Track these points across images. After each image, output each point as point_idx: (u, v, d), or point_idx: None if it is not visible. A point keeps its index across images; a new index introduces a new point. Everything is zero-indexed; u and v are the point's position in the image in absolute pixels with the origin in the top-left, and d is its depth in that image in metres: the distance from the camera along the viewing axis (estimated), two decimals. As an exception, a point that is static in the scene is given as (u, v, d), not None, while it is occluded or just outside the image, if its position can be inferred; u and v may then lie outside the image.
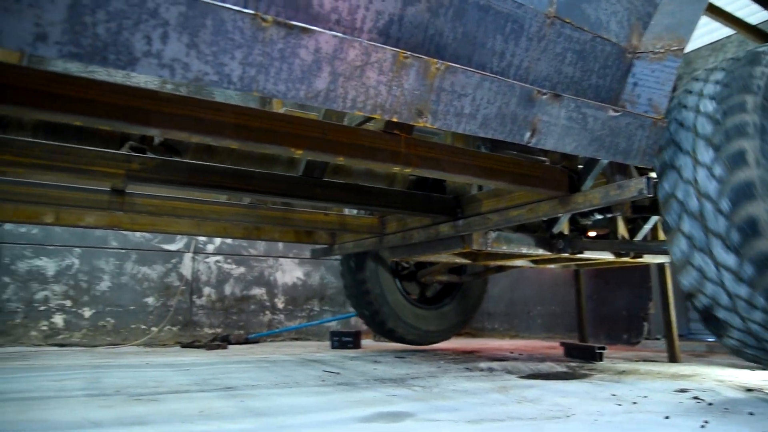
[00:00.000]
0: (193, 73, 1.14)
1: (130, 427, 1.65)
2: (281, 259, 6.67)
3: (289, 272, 6.72)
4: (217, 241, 6.23)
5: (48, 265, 5.44)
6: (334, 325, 6.66)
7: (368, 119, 2.36)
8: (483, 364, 3.46)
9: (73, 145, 1.86)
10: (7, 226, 5.12)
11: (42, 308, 5.37)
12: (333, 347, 5.22)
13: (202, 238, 6.15)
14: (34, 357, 3.99)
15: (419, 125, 1.44)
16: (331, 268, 6.92)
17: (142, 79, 2.28)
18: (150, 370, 3.13)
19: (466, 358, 4.05)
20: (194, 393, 2.29)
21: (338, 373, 3.05)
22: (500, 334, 7.07)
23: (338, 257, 4.61)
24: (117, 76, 2.25)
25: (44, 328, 5.36)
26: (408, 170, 1.74)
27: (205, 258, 6.19)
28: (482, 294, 5.36)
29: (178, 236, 6.01)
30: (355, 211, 3.49)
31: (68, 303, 5.47)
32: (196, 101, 1.39)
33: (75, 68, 2.11)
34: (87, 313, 5.53)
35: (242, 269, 6.39)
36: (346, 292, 4.61)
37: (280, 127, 1.49)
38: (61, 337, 5.41)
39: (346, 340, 5.27)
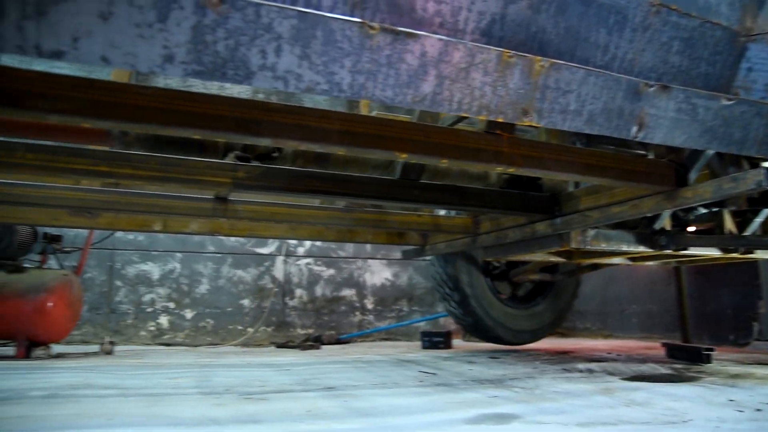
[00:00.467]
0: (306, 84, 1.18)
1: (246, 425, 1.72)
2: (370, 261, 6.75)
3: (378, 273, 6.79)
4: (308, 244, 6.39)
5: (153, 270, 5.76)
6: (423, 326, 6.67)
7: (460, 119, 2.35)
8: (581, 365, 3.37)
9: (185, 157, 1.97)
10: (118, 234, 5.46)
11: (149, 310, 5.69)
12: (424, 347, 5.24)
13: (292, 242, 6.33)
14: (145, 355, 4.23)
15: (524, 125, 1.43)
16: (419, 269, 6.94)
17: (235, 90, 2.38)
18: (252, 370, 3.25)
19: (562, 358, 3.96)
20: (298, 393, 2.36)
21: (435, 374, 3.06)
22: (592, 333, 6.86)
23: (427, 258, 4.62)
24: (212, 89, 2.36)
25: (152, 328, 5.68)
26: (511, 170, 1.73)
27: (296, 261, 6.36)
28: (575, 293, 5.22)
29: (270, 240, 6.21)
30: (443, 212, 3.49)
31: (172, 305, 5.77)
32: (304, 110, 1.44)
33: (174, 83, 2.23)
34: (189, 314, 5.81)
35: (332, 271, 6.53)
36: (437, 293, 4.61)
37: (385, 131, 1.52)
38: (166, 336, 5.72)
39: (437, 341, 5.27)
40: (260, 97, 2.41)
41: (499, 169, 1.74)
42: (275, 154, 2.34)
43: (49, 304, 3.75)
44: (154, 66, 1.09)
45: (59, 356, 3.99)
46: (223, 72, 1.12)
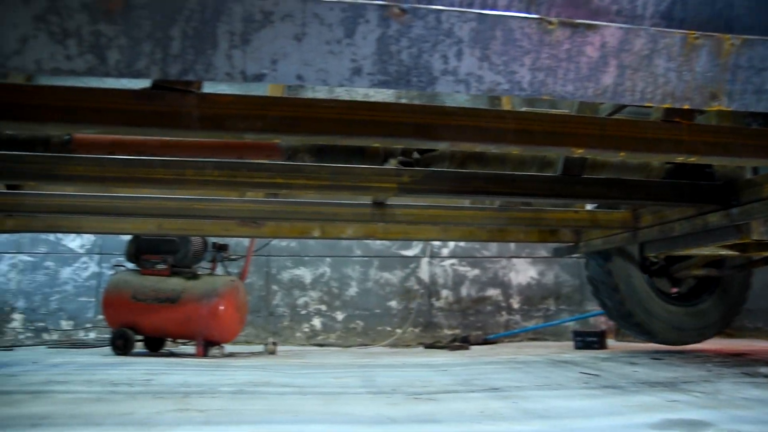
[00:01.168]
0: (487, 85, 1.19)
1: (423, 425, 1.76)
2: (514, 260, 6.63)
3: (523, 272, 6.65)
4: (451, 244, 6.41)
5: (305, 274, 6.06)
6: (572, 325, 6.43)
7: (619, 108, 2.24)
8: (764, 369, 3.09)
9: (352, 165, 2.06)
10: (273, 242, 5.80)
11: (303, 312, 5.99)
12: (577, 347, 5.05)
13: (436, 243, 6.37)
14: (304, 355, 4.46)
15: (712, 110, 1.33)
16: (566, 267, 6.71)
17: (361, 92, 2.44)
18: (411, 371, 3.31)
19: (737, 361, 3.64)
20: (464, 393, 2.37)
21: (598, 375, 2.94)
22: (764, 334, 6.24)
23: (576, 255, 4.45)
24: (339, 92, 2.44)
25: (306, 329, 5.98)
26: (692, 159, 1.62)
27: (440, 262, 6.40)
28: (746, 289, 4.78)
29: (414, 242, 6.29)
30: (590, 206, 3.34)
31: (324, 307, 6.03)
32: (479, 112, 1.45)
33: (320, 94, 2.34)
34: (339, 316, 6.04)
35: (476, 271, 6.48)
36: (591, 291, 4.43)
37: (559, 128, 1.49)
38: (320, 338, 5.98)
39: (590, 341, 5.06)
40: (403, 101, 2.45)
41: (680, 158, 1.64)
42: (432, 158, 2.37)
43: (221, 307, 4.07)
44: (343, 80, 1.15)
45: (231, 355, 4.31)
46: (408, 80, 1.16)
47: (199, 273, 4.34)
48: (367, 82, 1.15)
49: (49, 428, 1.59)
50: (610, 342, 5.57)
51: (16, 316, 5.62)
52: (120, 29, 1.08)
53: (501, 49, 1.18)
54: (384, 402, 2.12)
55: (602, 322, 6.16)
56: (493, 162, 2.36)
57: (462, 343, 5.64)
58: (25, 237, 5.64)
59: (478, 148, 1.51)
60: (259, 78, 1.12)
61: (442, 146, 1.45)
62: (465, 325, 6.36)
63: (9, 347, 5.04)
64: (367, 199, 2.74)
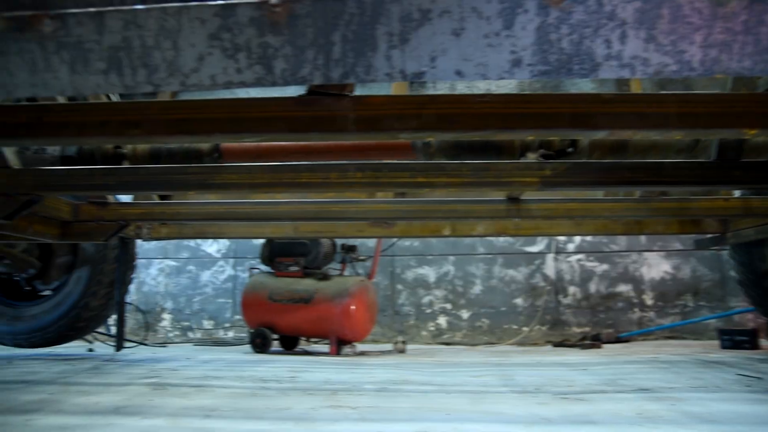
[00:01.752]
0: (653, 67, 1.12)
1: (580, 426, 1.69)
2: (645, 253, 6.28)
3: (656, 266, 6.28)
4: (577, 239, 6.18)
5: (429, 273, 6.08)
6: (714, 323, 5.99)
7: None
8: None
9: (494, 161, 2.03)
10: (396, 241, 5.87)
11: (428, 311, 6.01)
12: (723, 347, 4.69)
13: (561, 238, 6.17)
14: (433, 354, 4.47)
15: None
16: (703, 260, 6.25)
17: (482, 86, 2.38)
18: (548, 369, 3.22)
19: None
20: (613, 393, 2.27)
21: (760, 378, 2.70)
22: None
23: (719, 247, 4.12)
24: (460, 88, 2.40)
25: (432, 328, 5.99)
26: None
27: (566, 257, 6.19)
28: None
29: (539, 238, 6.13)
30: (737, 192, 3.07)
31: (448, 306, 6.02)
32: (637, 97, 1.38)
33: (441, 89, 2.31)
34: (465, 314, 6.00)
35: (605, 266, 6.21)
36: (741, 286, 4.09)
37: (728, 108, 1.38)
38: (445, 336, 5.98)
39: (739, 340, 4.68)
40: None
41: None
42: (570, 149, 2.28)
43: (353, 307, 4.17)
44: (503, 72, 1.13)
45: (362, 353, 4.41)
46: (569, 68, 1.12)
47: (330, 274, 4.47)
48: (527, 74, 1.12)
49: (218, 420, 1.70)
50: (763, 342, 5.14)
51: (166, 315, 6.08)
52: (285, 39, 1.12)
53: (668, 28, 1.10)
54: (532, 401, 2.07)
55: (750, 320, 5.69)
56: (633, 151, 2.24)
57: (593, 341, 5.43)
58: (170, 244, 6.09)
59: (638, 135, 1.43)
60: (418, 76, 1.13)
61: (600, 135, 1.39)
62: (594, 322, 6.10)
63: (162, 344, 5.47)
64: (501, 195, 2.70)
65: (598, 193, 2.96)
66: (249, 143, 2.16)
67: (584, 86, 2.50)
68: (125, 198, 3.03)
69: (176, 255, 6.17)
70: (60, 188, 2.07)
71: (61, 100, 1.98)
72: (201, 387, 2.37)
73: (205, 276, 6.12)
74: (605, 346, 5.32)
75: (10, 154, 2.12)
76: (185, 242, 6.13)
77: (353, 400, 2.06)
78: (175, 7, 1.12)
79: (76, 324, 3.74)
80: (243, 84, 1.15)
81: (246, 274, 6.01)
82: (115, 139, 1.41)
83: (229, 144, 2.19)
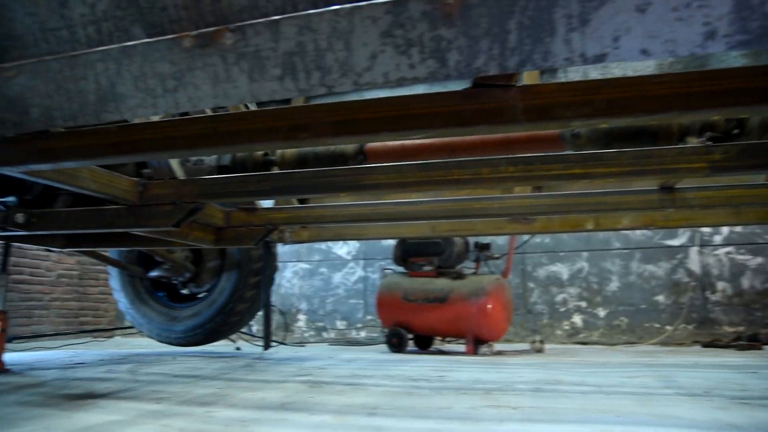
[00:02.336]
0: None
1: (776, 432, 1.54)
2: (808, 245, 5.69)
3: (821, 259, 5.67)
4: (725, 230, 5.71)
5: (562, 270, 5.87)
6: None
7: None
8: None
9: (655, 147, 1.90)
10: (524, 238, 5.72)
11: (562, 309, 5.80)
12: None
13: (706, 230, 5.73)
14: (573, 354, 4.30)
15: None
16: None
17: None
18: (710, 371, 2.99)
19: None
20: (800, 398, 2.05)
21: None
22: None
23: None
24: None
25: (566, 327, 5.78)
26: None
27: (713, 250, 5.74)
28: None
29: (680, 231, 5.74)
30: None
31: (584, 304, 5.78)
32: None
33: (574, 74, 2.18)
34: (601, 313, 5.73)
35: (759, 259, 5.68)
36: None
37: None
38: (581, 335, 5.74)
39: None
40: (665, 70, 2.20)
41: None
42: (736, 131, 2.10)
43: (489, 305, 4.10)
44: (694, 47, 1.04)
45: (499, 353, 4.33)
46: (775, 36, 1.01)
47: (464, 273, 4.43)
48: (722, 46, 1.02)
49: (383, 418, 1.71)
50: None
51: (301, 316, 6.32)
52: (458, 30, 1.10)
53: None
54: (708, 405, 1.92)
55: None
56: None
57: (751, 341, 4.99)
58: (303, 247, 6.33)
59: None
60: (600, 58, 1.06)
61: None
62: (750, 321, 5.60)
63: (300, 344, 5.68)
64: (654, 185, 2.54)
65: (759, 178, 2.71)
66: (393, 143, 2.17)
67: (733, 62, 2.29)
68: (267, 203, 3.17)
69: (309, 258, 6.39)
70: (220, 195, 2.20)
71: (208, 111, 2.09)
72: (354, 385, 2.41)
73: (337, 278, 6.29)
74: (766, 347, 4.89)
75: (175, 166, 2.28)
76: (317, 245, 6.34)
77: (511, 400, 2.01)
78: (347, 8, 1.14)
79: (225, 324, 3.97)
80: (416, 80, 1.15)
81: (376, 275, 6.12)
82: (283, 144, 1.46)
83: (373, 145, 2.21)
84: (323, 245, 6.32)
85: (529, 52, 1.08)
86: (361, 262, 6.22)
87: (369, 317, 6.09)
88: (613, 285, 5.77)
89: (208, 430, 1.51)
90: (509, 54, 1.09)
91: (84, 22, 1.34)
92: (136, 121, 1.69)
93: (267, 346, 3.57)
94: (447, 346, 4.99)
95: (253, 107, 2.17)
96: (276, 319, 6.16)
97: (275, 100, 1.28)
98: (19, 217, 2.39)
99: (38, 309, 5.85)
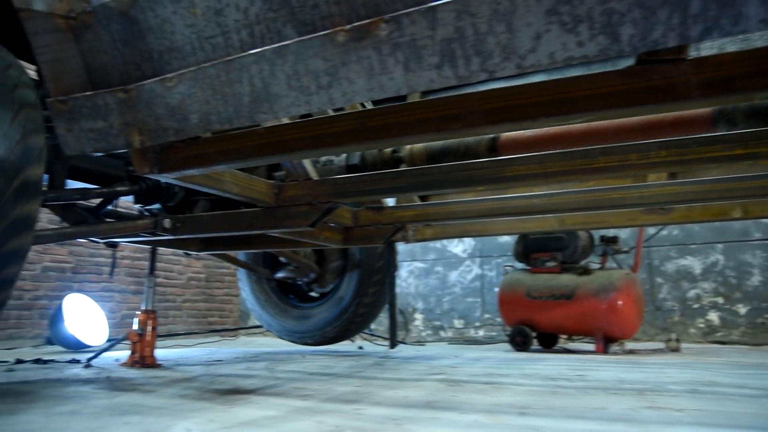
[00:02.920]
0: None
1: None
2: None
3: None
4: None
5: (693, 264, 5.49)
6: None
7: None
8: None
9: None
10: (650, 230, 5.39)
11: (695, 306, 5.43)
12: None
13: None
14: (715, 353, 4.00)
15: None
16: None
17: None
18: None
19: None
20: None
21: None
22: None
23: None
24: None
25: (701, 325, 5.40)
26: None
27: None
28: None
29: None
30: None
31: (720, 300, 5.37)
32: None
33: None
34: (742, 309, 5.30)
35: None
36: None
37: None
38: (719, 334, 5.34)
39: None
40: None
41: None
42: None
43: (620, 302, 3.90)
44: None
45: (631, 352, 4.10)
46: None
47: (591, 268, 4.24)
48: None
49: (537, 418, 1.64)
50: None
51: (417, 315, 6.32)
52: (633, 2, 1.02)
53: None
54: None
55: None
56: None
57: None
58: (417, 246, 6.33)
59: None
60: (803, 19, 0.95)
61: None
62: None
63: (419, 342, 5.69)
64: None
65: None
66: (527, 133, 2.09)
67: None
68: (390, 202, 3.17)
69: (424, 257, 6.38)
70: (355, 194, 2.21)
71: (330, 111, 2.10)
72: (493, 384, 2.35)
73: (453, 276, 6.23)
74: None
75: (309, 166, 2.32)
76: (431, 244, 6.32)
77: (670, 402, 1.87)
78: (509, -11, 1.09)
79: (350, 323, 4.03)
80: (584, 58, 1.08)
81: (493, 273, 6.01)
82: (435, 135, 1.43)
83: (507, 136, 2.14)
84: (438, 244, 6.29)
85: (716, 18, 0.98)
86: (477, 259, 6.13)
87: (487, 316, 5.98)
88: (755, 279, 5.32)
89: (362, 428, 1.51)
90: (692, 22, 1.00)
91: (238, 27, 1.38)
92: (284, 121, 1.73)
93: (393, 345, 3.58)
94: (572, 345, 4.81)
95: (368, 105, 2.17)
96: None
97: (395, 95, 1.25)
98: (167, 223, 2.53)
99: (172, 310, 6.23)
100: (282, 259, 4.09)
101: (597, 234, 4.50)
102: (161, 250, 6.21)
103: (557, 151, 1.97)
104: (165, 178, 1.85)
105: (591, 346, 4.21)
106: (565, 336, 4.60)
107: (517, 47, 1.10)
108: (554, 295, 4.17)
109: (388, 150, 2.51)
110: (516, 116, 1.31)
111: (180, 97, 1.44)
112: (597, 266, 4.36)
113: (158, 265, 6.17)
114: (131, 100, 1.52)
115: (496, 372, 2.80)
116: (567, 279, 4.18)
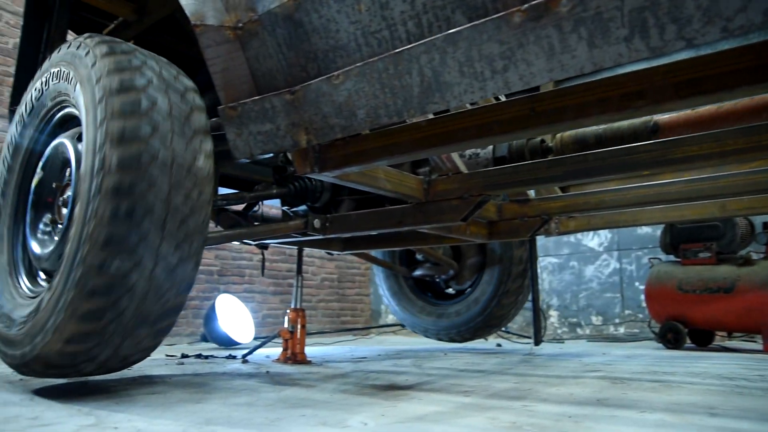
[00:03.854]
0: None
1: None
2: None
3: None
4: None
5: None
6: None
7: None
8: None
9: None
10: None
11: None
12: None
13: None
14: None
15: None
16: None
17: None
18: None
19: None
20: None
21: None
22: None
23: None
24: None
25: None
26: None
27: None
28: None
29: None
30: None
31: None
32: None
33: None
34: None
35: None
36: None
37: None
38: None
39: None
40: None
41: None
42: None
43: (792, 295, 3.54)
44: None
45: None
46: None
47: (753, 258, 3.88)
48: None
49: (730, 419, 1.50)
50: None
51: (552, 312, 6.12)
52: None
53: None
54: None
55: None
56: None
57: None
58: (550, 241, 6.12)
59: None
60: None
61: None
62: None
63: (558, 340, 5.50)
64: None
65: None
66: (689, 112, 1.93)
67: None
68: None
69: (557, 252, 6.17)
70: (509, 185, 2.15)
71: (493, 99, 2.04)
72: (661, 382, 2.20)
73: (589, 271, 5.97)
74: None
75: (458, 160, 2.29)
76: (565, 238, 6.09)
77: None
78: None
79: (490, 320, 3.96)
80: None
81: (632, 267, 5.69)
82: (612, 116, 1.35)
83: (666, 117, 2.00)
84: (572, 238, 6.05)
85: None
86: (615, 253, 5.82)
87: (627, 312, 5.67)
88: None
89: (540, 425, 1.45)
90: None
91: (404, 18, 1.37)
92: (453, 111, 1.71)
93: (537, 342, 3.47)
94: (729, 343, 4.43)
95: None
96: (526, 315, 6.04)
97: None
98: (317, 222, 2.60)
99: (308, 309, 6.45)
100: (419, 257, 4.09)
101: (757, 221, 4.11)
102: (295, 256, 6.48)
103: (739, 126, 1.80)
104: (325, 177, 1.89)
105: (754, 345, 3.86)
106: (722, 333, 4.25)
107: (721, 8, 1.00)
108: (710, 288, 3.86)
109: (536, 139, 2.43)
110: (709, 88, 1.20)
111: (347, 93, 1.46)
112: (759, 256, 3.98)
113: (294, 267, 6.44)
114: (297, 101, 1.56)
115: (658, 370, 2.63)
116: (725, 270, 3.85)
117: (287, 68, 1.61)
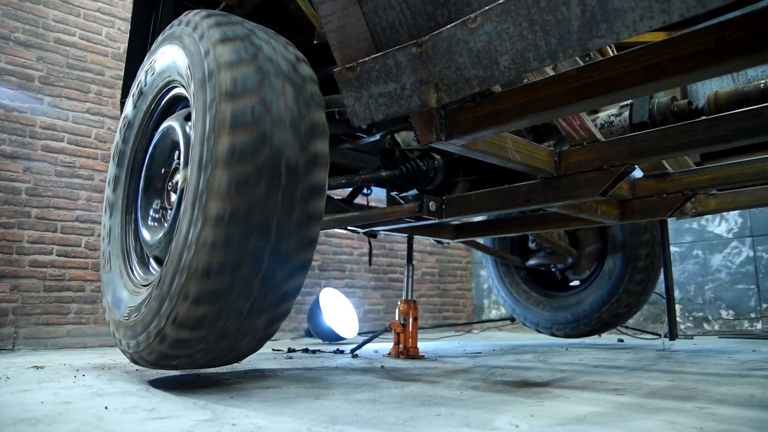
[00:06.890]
0: None
1: None
2: None
3: None
4: None
5: None
6: None
7: None
8: None
9: None
10: None
11: None
12: None
13: None
14: None
15: None
16: None
17: None
18: None
19: None
20: None
21: None
22: None
23: None
24: None
25: None
26: None
27: None
28: None
29: None
30: None
31: None
32: None
33: None
34: None
35: None
36: None
37: None
38: None
39: None
40: None
41: None
42: None
43: None
44: None
45: None
46: None
47: None
48: None
49: None
50: None
51: (674, 306, 5.61)
52: None
53: None
54: None
55: None
56: None
57: None
58: (670, 227, 5.62)
59: None
60: None
61: None
62: None
63: (685, 336, 5.03)
64: None
65: None
66: None
67: None
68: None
69: (678, 240, 5.66)
70: (659, 152, 1.85)
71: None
72: None
73: (716, 260, 5.43)
74: None
75: (592, 127, 2.02)
76: (686, 224, 5.58)
77: None
78: None
79: (614, 313, 3.61)
80: None
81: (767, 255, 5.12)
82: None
83: None
84: (695, 224, 5.53)
85: None
86: (747, 240, 5.25)
87: (765, 305, 5.09)
88: None
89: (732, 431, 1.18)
90: None
91: (557, -61, 1.14)
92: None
93: (673, 336, 3.11)
94: None
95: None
96: (646, 309, 5.59)
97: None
98: (432, 205, 2.40)
99: (410, 305, 6.29)
100: (531, 245, 3.81)
101: None
102: (395, 250, 6.33)
103: None
104: (452, 147, 1.68)
105: None
106: None
107: None
108: None
109: (682, 101, 2.12)
110: None
111: (487, 38, 1.24)
112: None
113: (394, 261, 6.29)
114: (426, 54, 1.37)
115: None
116: None
117: (411, 19, 1.42)
